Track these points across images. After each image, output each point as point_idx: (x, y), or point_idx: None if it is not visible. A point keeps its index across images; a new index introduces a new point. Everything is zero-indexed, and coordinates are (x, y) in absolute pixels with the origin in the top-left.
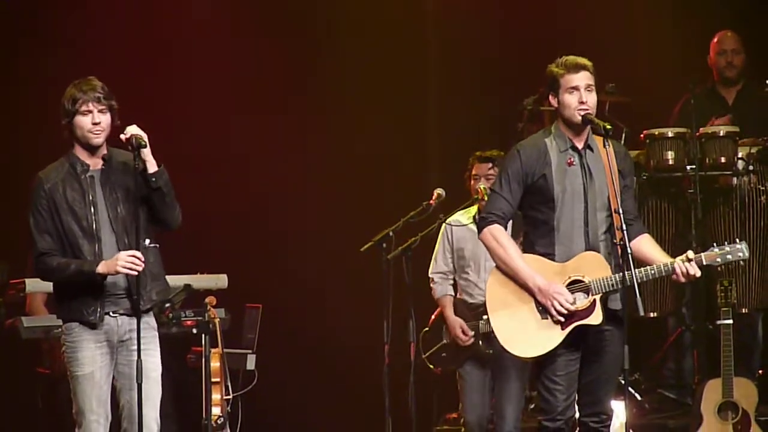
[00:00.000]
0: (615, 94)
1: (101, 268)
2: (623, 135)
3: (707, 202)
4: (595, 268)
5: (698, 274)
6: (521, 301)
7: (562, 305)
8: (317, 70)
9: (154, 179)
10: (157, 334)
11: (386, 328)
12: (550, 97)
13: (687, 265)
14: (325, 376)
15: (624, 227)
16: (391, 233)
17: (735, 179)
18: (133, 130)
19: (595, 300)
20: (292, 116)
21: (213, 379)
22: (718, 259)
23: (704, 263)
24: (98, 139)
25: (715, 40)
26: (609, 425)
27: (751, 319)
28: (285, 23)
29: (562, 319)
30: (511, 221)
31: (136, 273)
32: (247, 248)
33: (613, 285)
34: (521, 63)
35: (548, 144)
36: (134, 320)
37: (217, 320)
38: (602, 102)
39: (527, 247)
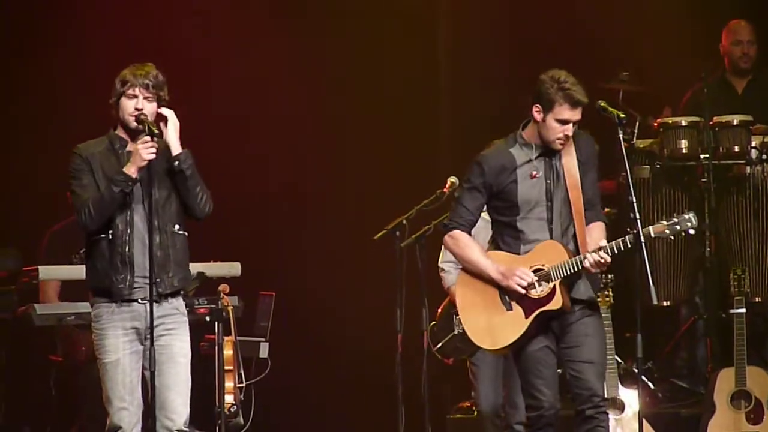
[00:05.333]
0: (628, 82)
1: (130, 170)
2: (637, 123)
3: (720, 191)
4: (553, 255)
5: (608, 260)
6: (487, 298)
7: (523, 277)
8: (329, 60)
9: (176, 162)
10: (187, 319)
11: (399, 316)
12: (534, 108)
13: (594, 256)
14: (338, 364)
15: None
16: (404, 221)
17: (748, 168)
18: (166, 112)
19: (555, 286)
20: (304, 106)
21: (226, 367)
22: (667, 231)
23: (652, 236)
24: (135, 124)
25: (730, 29)
26: (604, 409)
27: (764, 308)
28: (295, 11)
29: (522, 291)
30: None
31: (154, 155)
32: (260, 236)
33: (571, 268)
34: (534, 51)
35: (513, 153)
36: (163, 306)
37: (230, 308)
38: (616, 90)
39: (494, 248)
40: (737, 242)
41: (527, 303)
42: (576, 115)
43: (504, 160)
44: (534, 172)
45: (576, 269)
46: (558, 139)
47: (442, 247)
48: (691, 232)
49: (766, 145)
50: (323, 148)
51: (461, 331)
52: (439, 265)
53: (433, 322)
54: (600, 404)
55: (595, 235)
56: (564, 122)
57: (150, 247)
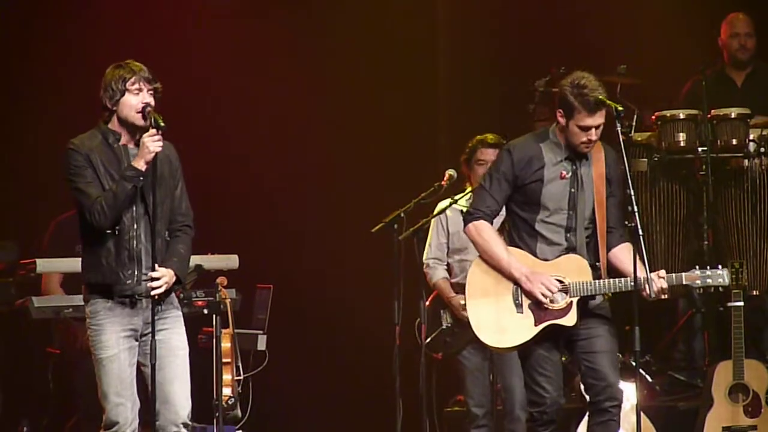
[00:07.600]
0: (626, 75)
1: (139, 163)
2: (634, 116)
3: (718, 185)
4: (576, 271)
5: (665, 288)
6: (499, 293)
7: (549, 287)
8: (326, 51)
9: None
10: (180, 313)
11: (397, 309)
12: (558, 114)
13: (658, 281)
14: (336, 356)
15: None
16: (402, 214)
17: (746, 161)
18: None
19: (572, 302)
20: (302, 98)
21: (224, 360)
22: (698, 282)
23: (684, 282)
24: (144, 121)
25: (728, 21)
26: (618, 402)
27: (762, 302)
28: (295, 9)
29: (546, 301)
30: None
31: (161, 147)
32: (258, 228)
33: (591, 290)
34: (533, 44)
35: (543, 150)
36: (160, 302)
37: (228, 301)
38: (613, 83)
39: (509, 242)
40: (735, 235)
41: (540, 311)
42: (597, 119)
43: (532, 153)
44: (564, 172)
45: (597, 293)
46: (582, 143)
47: (427, 242)
48: (721, 289)
49: (764, 138)
50: (321, 141)
51: (449, 325)
52: (424, 261)
53: (418, 319)
54: (615, 396)
55: (626, 257)
56: (586, 128)
57: (152, 237)
